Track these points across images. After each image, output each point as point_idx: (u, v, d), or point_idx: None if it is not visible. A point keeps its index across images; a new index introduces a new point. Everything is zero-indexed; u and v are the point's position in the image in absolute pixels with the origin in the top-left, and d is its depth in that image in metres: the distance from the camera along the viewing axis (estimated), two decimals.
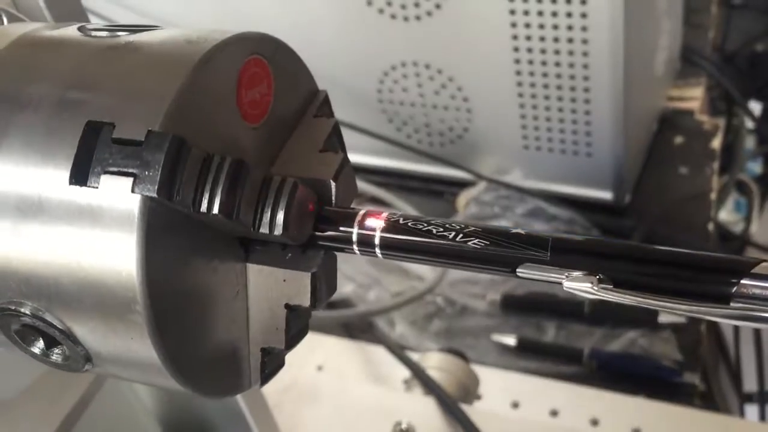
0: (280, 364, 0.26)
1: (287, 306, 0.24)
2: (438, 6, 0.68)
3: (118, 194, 0.20)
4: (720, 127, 0.88)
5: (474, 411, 0.55)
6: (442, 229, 0.23)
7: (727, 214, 1.05)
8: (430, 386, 0.57)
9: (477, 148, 0.79)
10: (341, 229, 0.24)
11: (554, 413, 0.58)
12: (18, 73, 0.23)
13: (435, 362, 0.59)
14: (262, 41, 0.24)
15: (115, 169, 0.20)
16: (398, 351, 0.61)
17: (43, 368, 0.24)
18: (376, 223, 0.24)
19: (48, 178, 0.21)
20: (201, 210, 0.21)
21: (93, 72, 0.22)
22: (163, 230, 0.20)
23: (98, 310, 0.21)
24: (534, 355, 0.65)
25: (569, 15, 0.63)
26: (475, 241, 0.23)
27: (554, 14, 0.63)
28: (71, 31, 0.24)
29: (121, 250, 0.20)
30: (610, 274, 0.21)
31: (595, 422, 0.57)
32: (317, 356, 0.65)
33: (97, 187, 0.20)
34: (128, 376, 0.24)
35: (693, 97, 0.92)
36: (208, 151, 0.21)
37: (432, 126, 0.79)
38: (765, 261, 0.20)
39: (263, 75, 0.24)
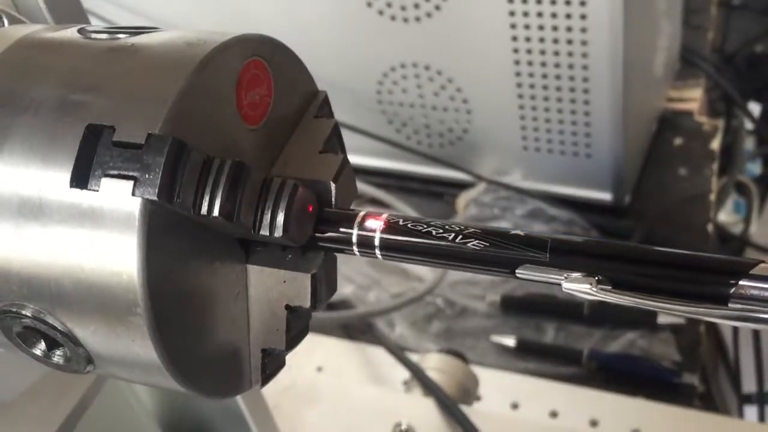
0: (281, 365, 0.26)
1: (287, 307, 0.24)
2: (438, 7, 0.68)
3: (119, 197, 0.20)
4: (719, 128, 0.88)
5: (473, 412, 0.55)
6: (441, 231, 0.23)
7: (726, 215, 1.05)
8: (429, 387, 0.57)
9: (476, 150, 0.79)
10: (341, 230, 0.24)
11: (554, 414, 0.58)
12: (19, 75, 0.23)
13: (434, 363, 0.59)
14: (262, 43, 0.24)
15: (115, 172, 0.20)
16: (398, 352, 0.61)
17: (44, 369, 0.24)
18: (375, 225, 0.24)
19: (49, 180, 0.21)
20: (201, 212, 0.21)
21: (93, 74, 0.22)
22: (164, 233, 0.21)
23: (99, 312, 0.21)
24: (533, 356, 0.65)
25: (569, 16, 0.63)
26: (475, 242, 0.23)
27: (554, 15, 0.63)
28: (71, 33, 0.24)
29: (122, 252, 0.20)
30: (609, 275, 0.21)
31: (594, 423, 0.57)
32: (317, 357, 0.65)
33: (97, 190, 0.20)
34: (129, 376, 0.24)
35: (692, 98, 0.92)
36: (208, 154, 0.21)
37: (431, 127, 0.79)
38: (764, 262, 0.20)
39: (263, 77, 0.24)
